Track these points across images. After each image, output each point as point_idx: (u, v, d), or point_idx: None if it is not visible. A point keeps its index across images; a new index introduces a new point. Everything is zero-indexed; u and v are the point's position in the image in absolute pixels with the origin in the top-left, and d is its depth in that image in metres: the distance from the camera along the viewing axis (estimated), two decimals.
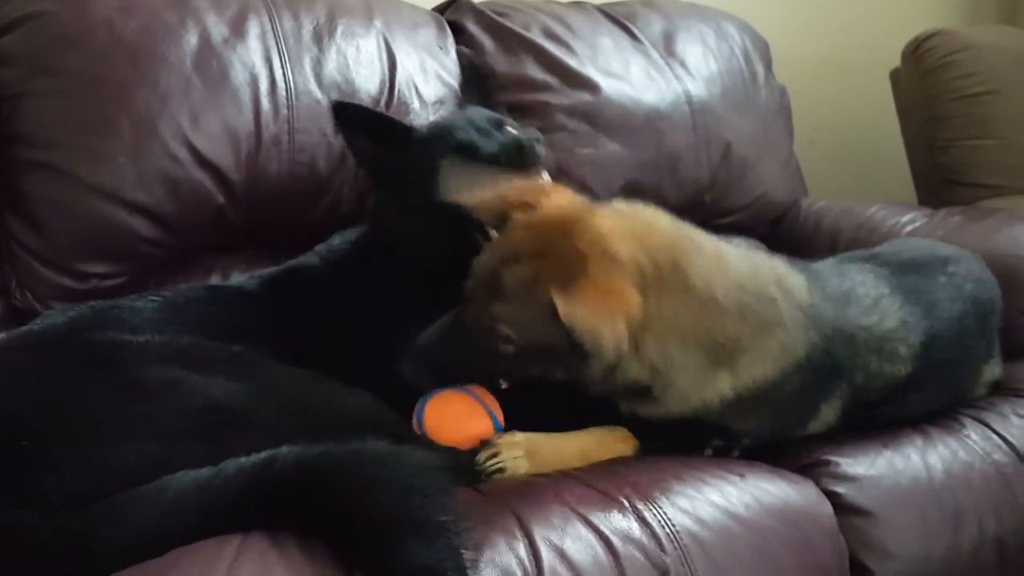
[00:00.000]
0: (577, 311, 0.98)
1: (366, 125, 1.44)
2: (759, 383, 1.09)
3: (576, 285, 0.99)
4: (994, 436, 1.26)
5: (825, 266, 1.30)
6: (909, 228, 1.87)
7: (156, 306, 1.24)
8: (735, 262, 1.12)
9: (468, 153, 1.30)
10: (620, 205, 1.16)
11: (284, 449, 0.94)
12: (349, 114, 1.46)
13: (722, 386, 1.09)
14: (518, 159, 1.27)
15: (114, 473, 0.93)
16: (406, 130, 1.44)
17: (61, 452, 0.94)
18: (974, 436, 1.25)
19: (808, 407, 1.18)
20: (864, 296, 1.20)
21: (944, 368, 1.24)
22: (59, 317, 1.22)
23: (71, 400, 1.00)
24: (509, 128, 1.37)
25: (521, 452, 1.10)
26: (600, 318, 0.98)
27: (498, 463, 1.08)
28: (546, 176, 1.32)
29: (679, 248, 1.09)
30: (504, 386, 1.15)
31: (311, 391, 1.11)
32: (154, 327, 1.18)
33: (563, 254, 1.03)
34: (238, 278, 1.42)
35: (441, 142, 1.34)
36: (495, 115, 1.43)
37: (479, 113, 1.43)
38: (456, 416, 1.12)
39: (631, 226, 1.09)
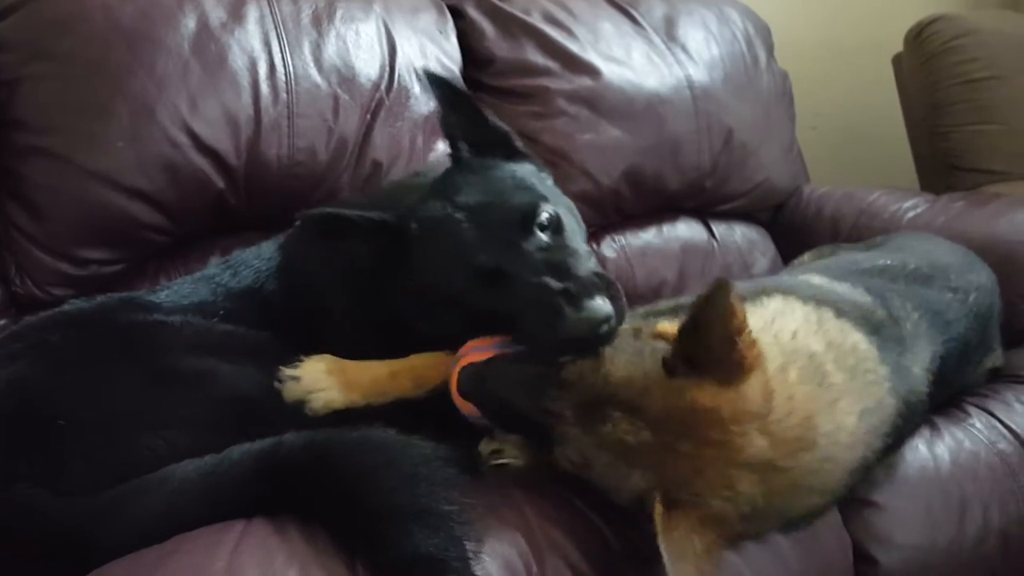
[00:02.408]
0: (671, 540, 0.82)
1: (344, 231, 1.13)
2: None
3: (684, 511, 0.84)
4: (999, 425, 1.26)
5: (874, 307, 1.14)
6: (911, 214, 1.87)
7: (170, 295, 1.23)
8: (844, 439, 0.93)
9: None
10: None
11: (291, 434, 0.94)
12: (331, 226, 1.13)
13: None
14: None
15: (141, 462, 0.93)
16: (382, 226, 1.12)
17: (91, 437, 0.95)
18: (979, 425, 1.25)
19: None
20: (907, 335, 1.12)
21: (949, 382, 1.23)
22: (85, 303, 1.21)
23: (103, 385, 1.00)
24: (539, 228, 1.04)
25: (323, 368, 1.07)
26: (689, 560, 0.82)
27: (299, 383, 1.05)
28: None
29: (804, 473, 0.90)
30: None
31: None
32: (180, 312, 1.17)
33: (687, 471, 0.85)
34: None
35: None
36: (512, 198, 1.08)
37: (484, 190, 1.09)
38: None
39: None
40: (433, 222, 1.08)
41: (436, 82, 1.20)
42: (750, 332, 0.86)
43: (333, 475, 0.91)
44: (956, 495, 1.16)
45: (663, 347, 0.90)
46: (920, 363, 1.10)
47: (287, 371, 1.06)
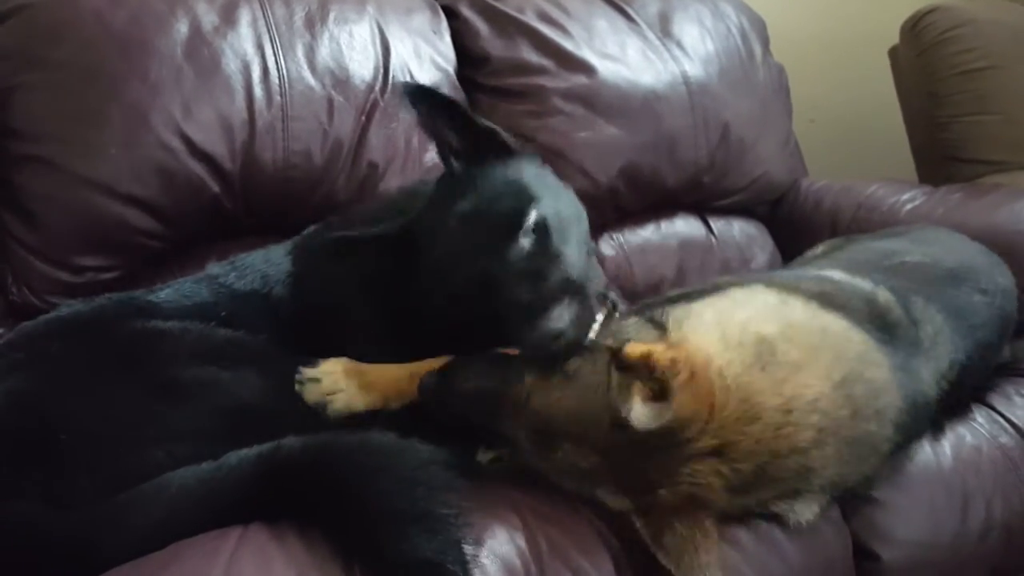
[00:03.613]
0: (659, 540, 0.91)
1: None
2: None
3: (659, 509, 0.92)
4: (1000, 419, 1.25)
5: (892, 306, 1.15)
6: (910, 206, 1.86)
7: (171, 295, 1.23)
8: (838, 409, 0.98)
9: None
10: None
11: (289, 438, 0.93)
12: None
13: None
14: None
15: (145, 475, 0.92)
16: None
17: (94, 451, 0.94)
18: (980, 419, 1.24)
19: None
20: (925, 337, 1.13)
21: (967, 384, 1.23)
22: (83, 306, 1.19)
23: (105, 399, 0.99)
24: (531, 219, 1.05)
25: (339, 369, 1.07)
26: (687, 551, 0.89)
27: (320, 384, 1.05)
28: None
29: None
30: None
31: None
32: (180, 315, 1.16)
33: (644, 480, 0.93)
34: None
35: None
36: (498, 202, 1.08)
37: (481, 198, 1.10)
38: None
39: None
40: (431, 233, 1.10)
41: (410, 90, 1.18)
42: (666, 361, 0.92)
43: (331, 478, 0.90)
44: (959, 490, 1.15)
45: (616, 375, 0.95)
46: (932, 369, 1.11)
47: (307, 372, 1.06)
